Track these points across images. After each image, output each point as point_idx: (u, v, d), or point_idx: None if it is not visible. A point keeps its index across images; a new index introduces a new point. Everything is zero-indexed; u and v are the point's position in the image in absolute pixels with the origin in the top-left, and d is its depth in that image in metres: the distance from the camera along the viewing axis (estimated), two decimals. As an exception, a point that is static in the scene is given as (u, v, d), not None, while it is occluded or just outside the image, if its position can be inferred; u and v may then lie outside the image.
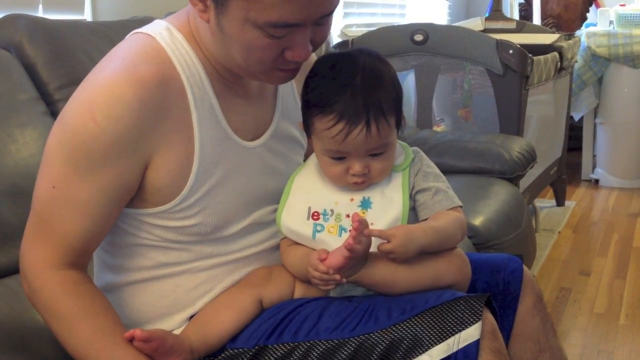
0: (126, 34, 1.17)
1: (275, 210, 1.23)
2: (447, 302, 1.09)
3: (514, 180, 2.59)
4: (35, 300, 1.12)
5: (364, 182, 1.16)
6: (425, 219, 1.18)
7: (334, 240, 1.15)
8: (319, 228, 1.17)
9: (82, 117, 1.06)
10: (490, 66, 2.89)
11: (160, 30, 1.13)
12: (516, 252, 1.76)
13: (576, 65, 4.04)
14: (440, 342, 1.06)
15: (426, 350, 1.06)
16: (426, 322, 1.07)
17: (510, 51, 2.84)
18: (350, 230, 1.08)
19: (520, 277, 1.27)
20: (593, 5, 4.84)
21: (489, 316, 1.09)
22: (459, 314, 1.07)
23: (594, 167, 4.42)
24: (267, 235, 1.23)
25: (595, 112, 4.31)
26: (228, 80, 1.17)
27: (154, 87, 1.07)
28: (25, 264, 1.12)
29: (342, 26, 3.50)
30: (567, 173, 4.01)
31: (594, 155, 4.42)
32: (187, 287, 1.18)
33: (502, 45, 2.86)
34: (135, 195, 1.12)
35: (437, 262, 1.15)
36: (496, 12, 4.25)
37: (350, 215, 1.15)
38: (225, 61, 1.12)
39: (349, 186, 1.17)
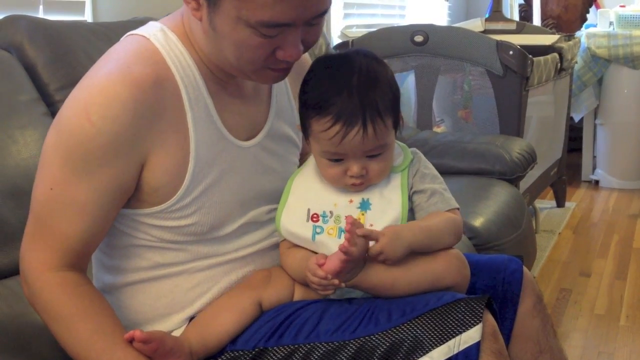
0: (127, 35, 1.17)
1: (271, 210, 1.23)
2: (447, 304, 1.08)
3: (514, 181, 2.58)
4: (35, 302, 1.12)
5: (362, 183, 1.16)
6: (420, 221, 1.18)
7: (333, 242, 1.15)
8: (318, 230, 1.17)
9: (77, 118, 1.06)
10: (490, 67, 2.89)
11: (154, 31, 1.14)
12: (516, 253, 1.76)
13: (576, 66, 4.04)
14: (440, 344, 1.06)
15: (427, 352, 1.06)
16: (427, 324, 1.07)
17: (510, 52, 2.84)
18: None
19: (521, 278, 1.27)
20: (593, 6, 4.85)
21: (489, 318, 1.09)
22: (459, 315, 1.07)
23: (594, 168, 4.42)
24: (263, 235, 1.23)
25: (595, 113, 4.31)
26: (222, 80, 1.17)
27: (149, 87, 1.07)
28: (24, 266, 1.12)
29: (342, 27, 3.49)
30: (567, 174, 4.01)
31: (594, 156, 4.42)
32: (185, 287, 1.18)
33: (502, 46, 2.86)
34: (132, 196, 1.12)
35: (435, 264, 1.14)
36: (496, 13, 4.26)
37: (350, 216, 1.15)
38: (218, 60, 1.13)
39: (348, 188, 1.17)
